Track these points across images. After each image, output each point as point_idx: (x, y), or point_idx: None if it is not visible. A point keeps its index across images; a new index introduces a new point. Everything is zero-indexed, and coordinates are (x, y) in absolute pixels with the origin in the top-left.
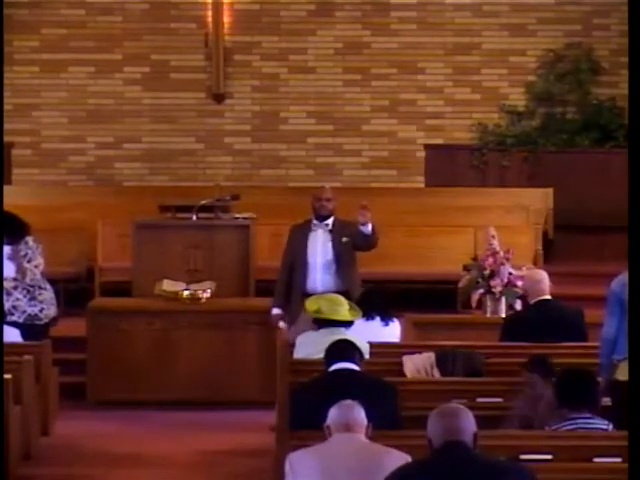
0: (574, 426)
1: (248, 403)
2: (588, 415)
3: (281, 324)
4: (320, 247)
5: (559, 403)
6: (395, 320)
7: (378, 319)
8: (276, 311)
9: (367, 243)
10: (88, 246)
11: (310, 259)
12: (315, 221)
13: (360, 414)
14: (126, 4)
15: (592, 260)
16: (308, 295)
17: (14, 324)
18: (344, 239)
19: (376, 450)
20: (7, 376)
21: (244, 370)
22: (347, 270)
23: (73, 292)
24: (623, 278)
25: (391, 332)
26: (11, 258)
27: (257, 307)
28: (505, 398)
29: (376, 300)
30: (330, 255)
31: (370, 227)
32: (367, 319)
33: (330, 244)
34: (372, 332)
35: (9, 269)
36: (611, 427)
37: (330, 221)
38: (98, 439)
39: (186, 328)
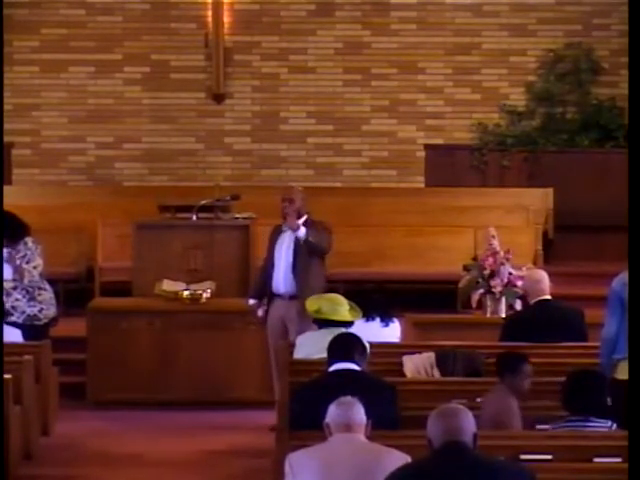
0: (568, 429)
1: (248, 403)
2: (589, 418)
3: (260, 312)
4: (285, 249)
5: (563, 405)
6: (395, 321)
7: (378, 320)
8: (252, 301)
9: (309, 248)
10: (88, 246)
11: (276, 261)
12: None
13: (360, 413)
14: (126, 4)
15: (592, 260)
16: (276, 296)
17: (13, 324)
18: (302, 241)
19: (376, 450)
20: (7, 376)
21: (244, 370)
22: (304, 273)
23: (73, 292)
24: (624, 277)
25: (391, 333)
26: (7, 260)
27: None
28: None
29: (377, 301)
30: (291, 257)
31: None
32: (367, 320)
33: (292, 246)
34: (372, 333)
35: (6, 272)
36: (615, 427)
37: (300, 222)
38: (98, 439)
39: (186, 328)
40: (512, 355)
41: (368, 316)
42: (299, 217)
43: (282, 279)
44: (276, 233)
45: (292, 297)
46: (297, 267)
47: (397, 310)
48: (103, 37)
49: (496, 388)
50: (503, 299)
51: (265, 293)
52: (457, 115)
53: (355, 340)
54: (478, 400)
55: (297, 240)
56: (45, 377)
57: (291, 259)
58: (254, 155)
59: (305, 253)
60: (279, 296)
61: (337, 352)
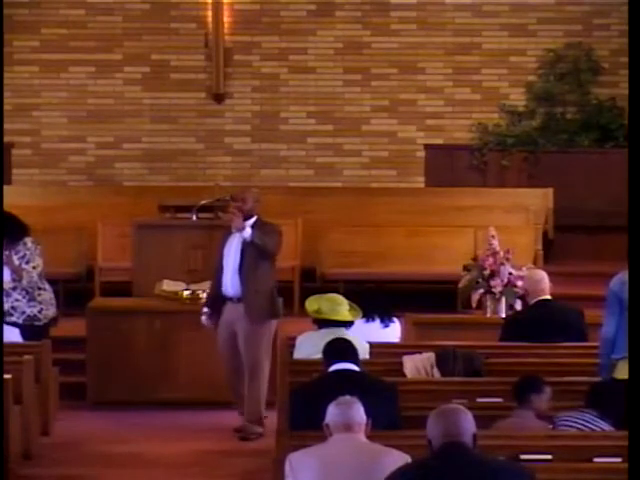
0: (579, 420)
1: None
2: (600, 418)
3: (203, 319)
4: (233, 251)
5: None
6: (395, 321)
7: (378, 321)
8: (204, 309)
9: (256, 249)
10: (88, 246)
11: (225, 263)
12: None
13: (359, 412)
14: (126, 4)
15: (592, 260)
16: (226, 299)
17: (14, 325)
18: (247, 241)
19: (376, 450)
20: (7, 376)
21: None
22: (250, 275)
23: (73, 292)
24: (621, 277)
25: (391, 334)
26: (5, 263)
27: None
28: (505, 398)
29: (377, 301)
30: (239, 259)
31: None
32: (367, 320)
33: (240, 248)
34: (371, 333)
35: (5, 273)
36: None
37: (249, 223)
38: (98, 439)
39: (186, 328)
40: (533, 377)
41: (368, 317)
42: (248, 218)
43: (230, 281)
44: (226, 235)
45: (240, 299)
46: (243, 269)
47: (397, 310)
48: (103, 37)
49: (519, 414)
50: (503, 299)
51: (220, 299)
52: (457, 115)
53: (350, 344)
54: (479, 400)
55: (244, 242)
56: (45, 377)
57: (239, 260)
58: (254, 155)
59: (252, 255)
60: (229, 299)
61: (335, 353)
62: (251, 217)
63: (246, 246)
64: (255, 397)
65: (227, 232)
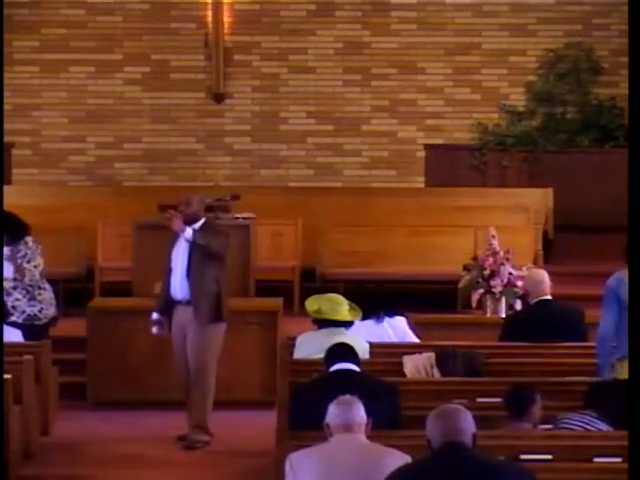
0: (579, 422)
1: (248, 403)
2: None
3: (154, 329)
4: (181, 254)
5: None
6: (393, 317)
7: (374, 319)
8: (153, 316)
9: (202, 251)
10: (88, 246)
11: (173, 265)
12: None
13: (359, 412)
14: (126, 4)
15: (592, 260)
16: (176, 302)
17: (14, 324)
18: (189, 243)
19: (376, 451)
20: (7, 376)
21: (244, 370)
22: (198, 277)
23: (73, 292)
24: (619, 274)
25: (384, 330)
26: (9, 259)
27: (257, 307)
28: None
29: (370, 299)
30: (186, 262)
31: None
32: (362, 319)
33: (187, 250)
34: (367, 332)
35: (7, 270)
36: None
37: (196, 226)
38: (98, 439)
39: None
40: (526, 387)
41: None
42: (194, 221)
43: (179, 284)
44: (174, 237)
45: (189, 302)
46: (190, 271)
47: (397, 310)
48: (103, 37)
49: (516, 427)
50: (503, 299)
51: (170, 302)
52: (457, 115)
53: (350, 346)
54: (479, 400)
55: (191, 244)
56: (45, 377)
57: (187, 263)
58: (254, 155)
59: (199, 257)
60: (179, 302)
61: (337, 354)
62: (196, 220)
63: (192, 249)
64: (201, 403)
65: (175, 235)
